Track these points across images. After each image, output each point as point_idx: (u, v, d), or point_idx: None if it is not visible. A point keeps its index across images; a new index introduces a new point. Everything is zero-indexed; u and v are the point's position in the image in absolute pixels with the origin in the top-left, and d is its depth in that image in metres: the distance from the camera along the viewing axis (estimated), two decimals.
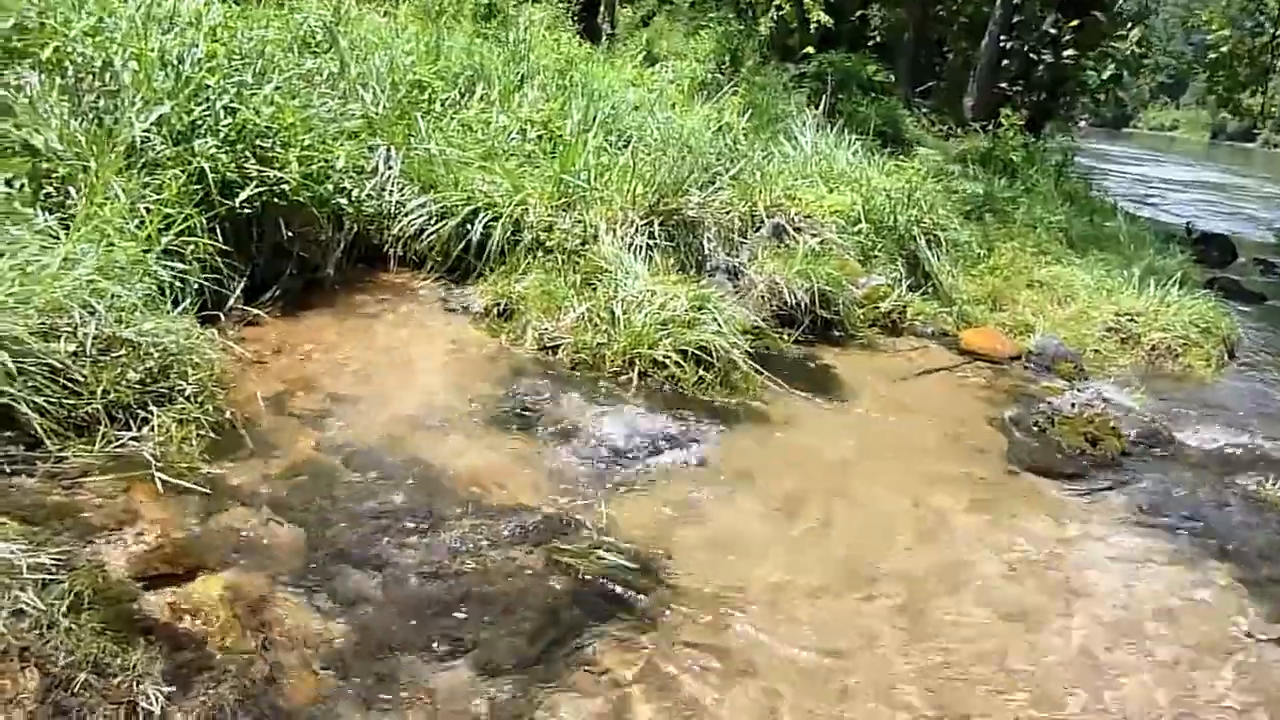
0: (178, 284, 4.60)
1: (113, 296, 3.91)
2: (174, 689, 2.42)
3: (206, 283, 4.94)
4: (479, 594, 3.09)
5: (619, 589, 3.24)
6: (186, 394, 3.83)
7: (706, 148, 7.24)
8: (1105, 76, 16.29)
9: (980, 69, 15.60)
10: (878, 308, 6.60)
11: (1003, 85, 15.33)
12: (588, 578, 3.24)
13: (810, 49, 13.83)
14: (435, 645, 2.87)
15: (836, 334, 6.26)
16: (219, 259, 5.02)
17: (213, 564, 3.04)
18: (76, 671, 2.36)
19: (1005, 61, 15.46)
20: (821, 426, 4.95)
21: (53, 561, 2.79)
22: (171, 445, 3.62)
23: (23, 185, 4.67)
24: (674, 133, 7.39)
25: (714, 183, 6.81)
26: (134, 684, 2.38)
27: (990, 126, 13.25)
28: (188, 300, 4.63)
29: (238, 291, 5.23)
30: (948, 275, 7.65)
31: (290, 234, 5.60)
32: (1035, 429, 5.10)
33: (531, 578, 3.20)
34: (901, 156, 9.44)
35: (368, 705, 2.62)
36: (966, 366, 6.21)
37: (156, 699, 2.36)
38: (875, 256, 7.20)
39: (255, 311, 5.28)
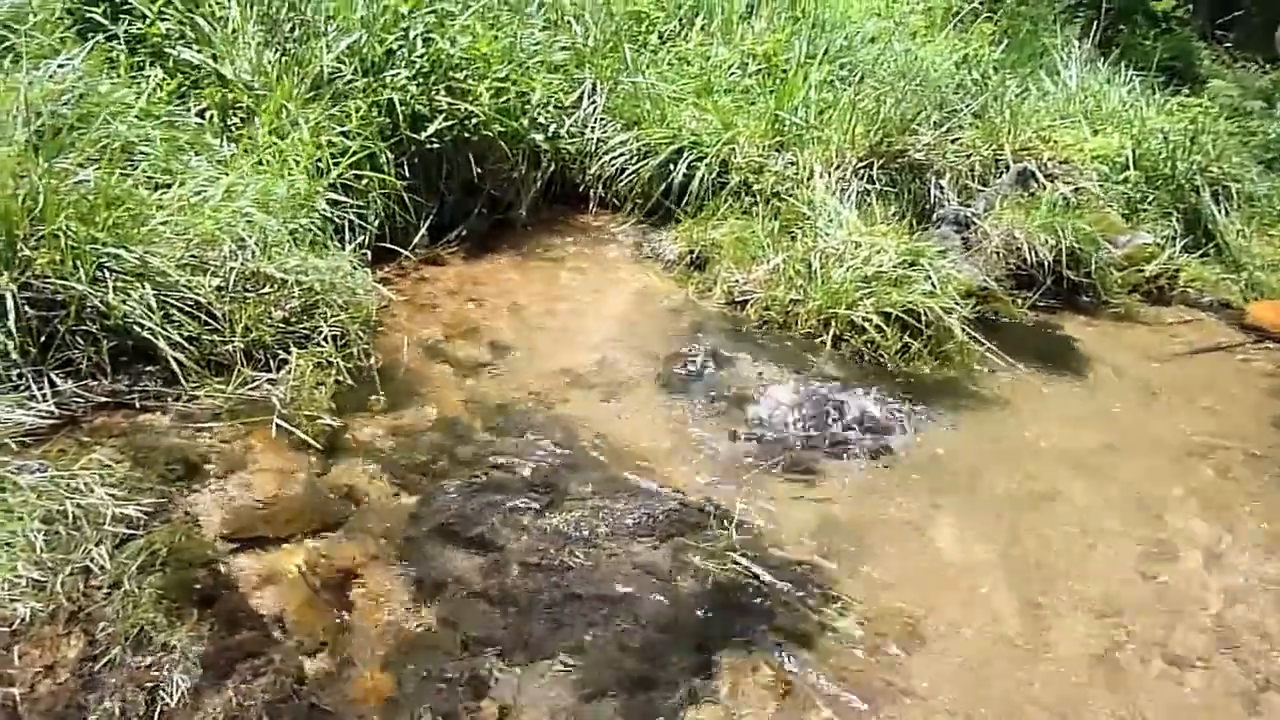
0: (351, 219, 4.44)
1: (263, 230, 3.72)
2: (205, 678, 2.13)
3: (389, 220, 4.78)
4: (587, 593, 2.66)
5: (758, 603, 2.70)
6: (327, 336, 3.59)
7: (945, 81, 6.35)
8: None
9: None
10: (1141, 270, 5.56)
11: None
12: (720, 586, 2.73)
13: None
14: (525, 650, 2.47)
15: (1085, 300, 5.31)
16: (405, 195, 4.84)
17: (308, 528, 2.78)
18: (113, 645, 2.12)
19: None
20: (1051, 414, 4.13)
21: (143, 513, 2.60)
22: (303, 391, 3.39)
23: (212, 115, 4.64)
24: (910, 66, 6.55)
25: (951, 120, 5.95)
26: (166, 667, 2.11)
27: None
28: (362, 237, 4.47)
29: (423, 230, 5.04)
30: (1237, 235, 6.39)
31: (481, 171, 5.35)
32: None
33: (651, 579, 2.73)
34: (1189, 94, 8.04)
35: (431, 717, 2.25)
36: (1251, 347, 5.09)
37: (179, 690, 2.08)
38: (1143, 210, 6.09)
39: (438, 251, 5.09)
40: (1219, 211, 6.37)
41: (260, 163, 4.24)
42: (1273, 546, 3.41)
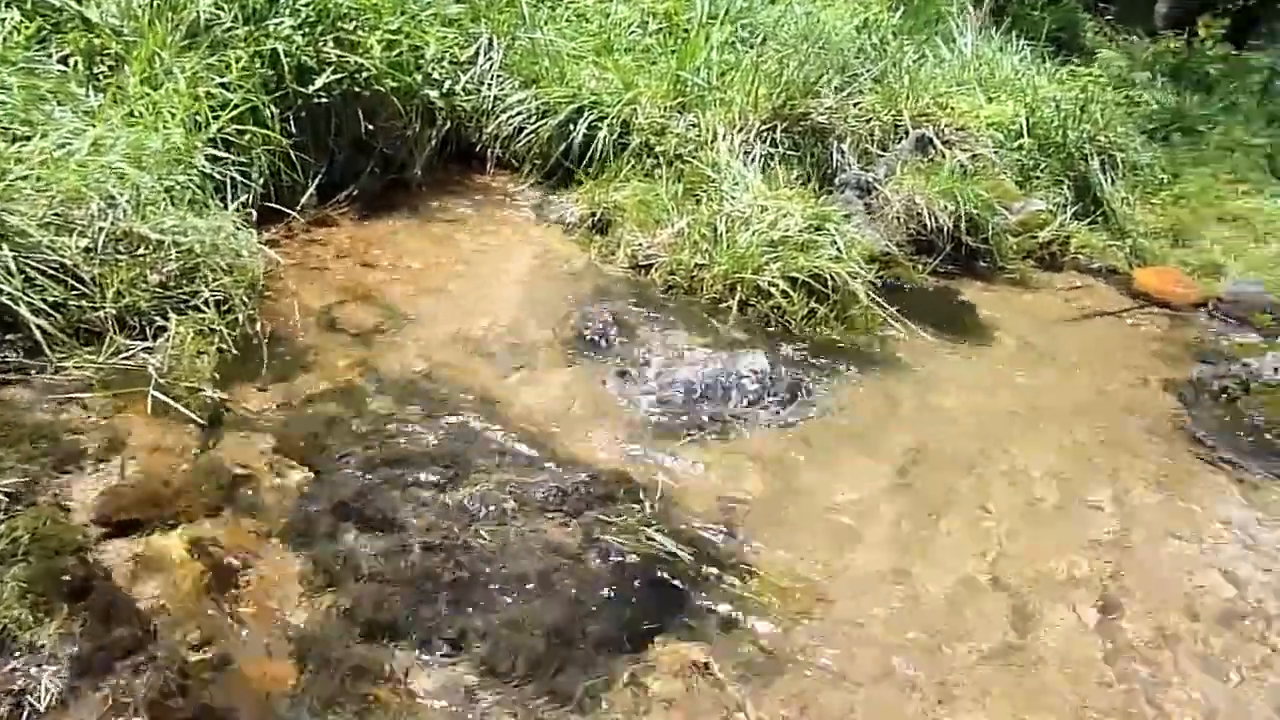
0: (234, 177, 4.17)
1: (136, 187, 3.44)
2: (79, 679, 1.95)
3: (275, 178, 4.51)
4: (494, 573, 2.54)
5: (671, 580, 2.62)
6: (208, 301, 3.36)
7: (846, 45, 6.33)
8: None
9: None
10: (1034, 237, 5.66)
11: None
12: (632, 563, 2.64)
13: None
14: (428, 636, 2.34)
15: (982, 265, 5.38)
16: (291, 152, 4.58)
17: (193, 510, 2.59)
18: None
19: None
20: (954, 377, 4.17)
21: (3, 495, 2.37)
22: (183, 360, 3.16)
23: (77, 63, 4.29)
24: (811, 29, 6.50)
25: (852, 85, 5.94)
26: (33, 670, 1.92)
27: (1183, 35, 11.65)
28: (245, 196, 4.20)
29: (311, 189, 4.79)
30: (1122, 203, 6.56)
31: (372, 128, 5.10)
32: (1224, 397, 4.16)
33: (561, 558, 2.62)
34: (1077, 64, 8.20)
35: (330, 709, 2.11)
36: (1138, 312, 5.23)
37: (48, 694, 1.89)
38: (1037, 177, 6.19)
39: (328, 212, 4.84)
40: (1106, 180, 6.54)
41: (132, 114, 3.94)
42: (1157, 502, 3.50)
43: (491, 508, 2.73)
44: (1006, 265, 5.47)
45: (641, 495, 2.93)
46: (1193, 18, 12.39)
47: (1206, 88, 9.60)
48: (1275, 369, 4.17)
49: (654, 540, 2.71)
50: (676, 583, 2.63)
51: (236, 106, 4.21)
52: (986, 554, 3.05)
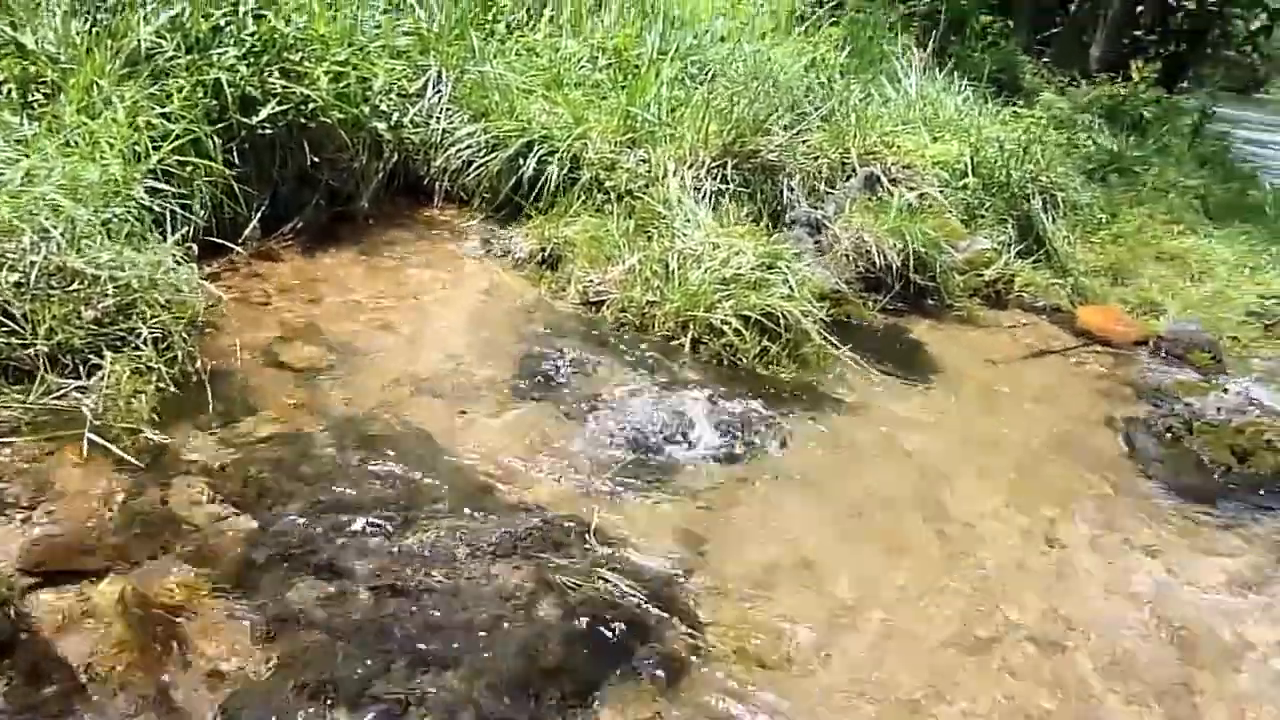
0: (175, 210, 4.06)
1: (70, 220, 3.33)
2: None
3: (217, 211, 4.41)
4: (442, 622, 2.45)
5: (623, 626, 2.56)
6: (146, 338, 3.24)
7: (795, 83, 6.38)
8: (1254, 28, 14.69)
9: (1111, 14, 14.19)
10: (980, 275, 5.73)
11: (1135, 33, 13.92)
12: (583, 608, 2.57)
13: None
14: (374, 691, 2.24)
15: (930, 303, 5.43)
16: (234, 184, 4.47)
17: (126, 558, 2.47)
18: None
19: (1139, 7, 14.03)
20: (905, 416, 4.17)
21: None
22: (119, 400, 3.04)
23: (10, 90, 4.16)
24: (760, 67, 6.55)
25: (801, 123, 5.99)
26: None
27: (1118, 79, 12.00)
28: (186, 229, 4.09)
29: (255, 222, 4.68)
30: (1064, 241, 6.69)
31: (318, 159, 5.01)
32: (1168, 436, 4.22)
33: (512, 604, 2.54)
34: (1019, 105, 8.39)
35: None
36: (1082, 350, 5.31)
37: None
38: (981, 216, 6.29)
39: (271, 245, 4.74)
40: (1048, 219, 6.66)
41: (68, 144, 3.82)
42: (1095, 538, 3.53)
43: (442, 553, 2.64)
44: (954, 303, 5.53)
45: (593, 537, 2.86)
46: (1126, 61, 12.77)
47: (1141, 130, 9.88)
48: (1217, 408, 4.25)
49: (607, 582, 2.64)
50: (627, 630, 2.56)
51: (178, 137, 4.10)
52: (937, 597, 3.03)
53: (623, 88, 6.07)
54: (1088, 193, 7.36)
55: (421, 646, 2.37)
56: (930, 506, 3.52)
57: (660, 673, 2.47)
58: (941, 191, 6.16)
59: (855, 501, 3.47)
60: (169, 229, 3.99)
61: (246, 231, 4.64)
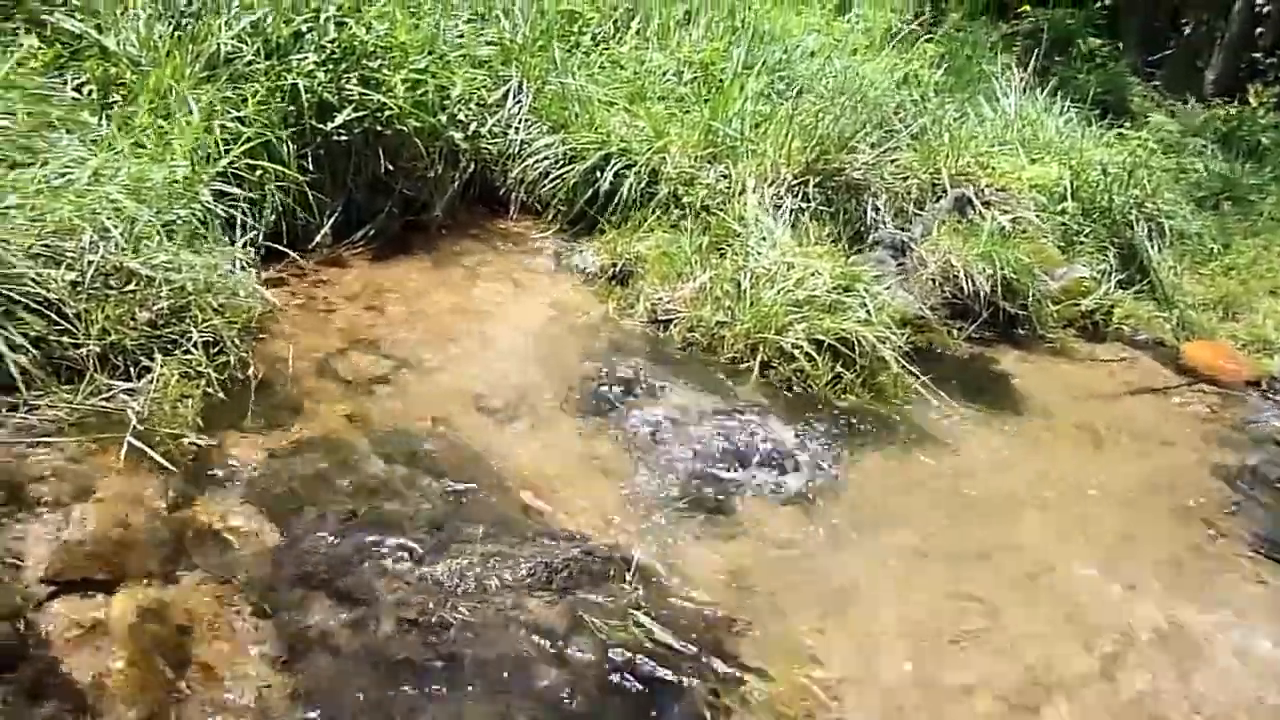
0: (244, 213, 4.05)
1: (131, 221, 3.30)
2: None
3: (288, 216, 4.38)
4: (468, 657, 2.31)
5: (658, 676, 2.37)
6: (197, 342, 3.19)
7: (885, 100, 6.14)
8: None
9: (1228, 36, 13.53)
10: (1077, 305, 5.40)
11: (1254, 55, 13.23)
12: (617, 653, 2.39)
13: (1027, 6, 12.28)
14: None
15: (1021, 333, 5.13)
16: (307, 189, 4.45)
17: (150, 570, 2.39)
18: None
19: (1259, 29, 13.34)
20: (985, 454, 3.90)
21: None
22: (165, 404, 2.98)
23: (91, 91, 4.20)
24: (849, 83, 6.33)
25: (890, 141, 5.75)
26: None
27: (1233, 103, 11.40)
28: (252, 234, 4.07)
29: (326, 229, 4.65)
30: (1170, 272, 6.30)
31: (393, 168, 4.96)
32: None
33: (542, 643, 2.38)
34: (1126, 127, 7.97)
35: None
36: (1187, 389, 4.95)
37: None
38: (1080, 243, 5.95)
39: (341, 252, 4.70)
40: (1153, 247, 6.28)
41: (139, 145, 3.82)
42: (1191, 599, 3.20)
43: (472, 583, 2.50)
44: (1047, 333, 5.21)
45: (634, 574, 2.68)
46: (1243, 85, 12.17)
47: (1258, 156, 9.32)
48: None
49: (643, 626, 2.46)
50: (662, 681, 2.37)
51: (248, 140, 4.08)
52: (1003, 656, 2.77)
53: (705, 101, 5.92)
54: (1198, 221, 6.93)
55: (439, 681, 2.23)
56: (1008, 558, 3.24)
57: None
58: (1038, 216, 5.85)
59: (926, 546, 3.22)
60: (237, 233, 3.99)
61: (317, 238, 4.63)
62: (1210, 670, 2.87)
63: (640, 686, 2.34)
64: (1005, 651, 2.79)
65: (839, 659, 2.63)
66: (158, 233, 3.34)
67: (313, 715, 2.10)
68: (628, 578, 2.64)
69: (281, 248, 4.24)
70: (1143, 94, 11.33)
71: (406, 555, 2.56)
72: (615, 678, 2.33)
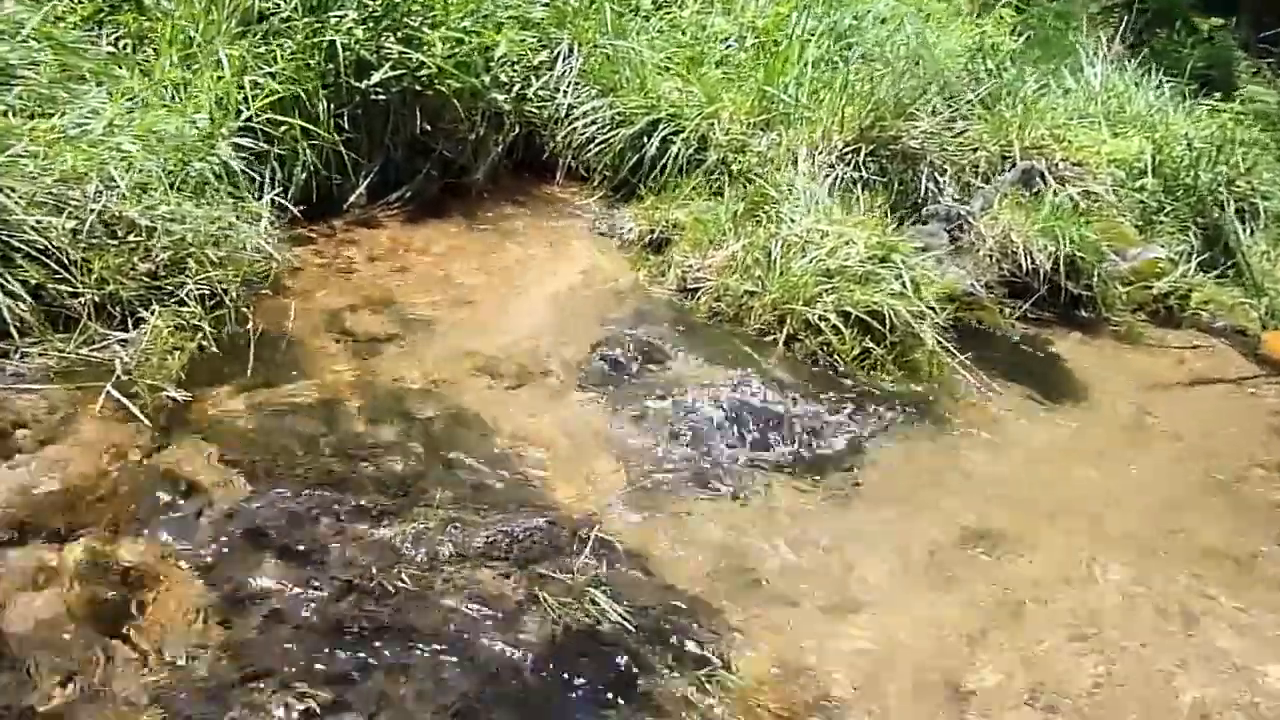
0: (272, 170, 4.02)
1: (140, 171, 3.27)
2: None
3: (322, 174, 4.34)
4: (406, 627, 2.19)
5: (613, 659, 2.21)
6: (193, 294, 3.14)
7: (951, 66, 5.82)
8: None
9: None
10: (1149, 287, 5.04)
11: None
12: (571, 631, 2.24)
13: None
14: (315, 691, 2.00)
15: (1083, 315, 4.79)
16: (342, 148, 4.40)
17: (107, 521, 2.33)
18: None
19: None
20: (1025, 443, 3.63)
21: None
22: (154, 356, 2.94)
23: (125, 45, 4.21)
24: (917, 50, 6.01)
25: (954, 109, 5.45)
26: None
27: None
28: (276, 190, 4.03)
29: (361, 189, 4.60)
30: (1261, 256, 5.84)
31: (432, 128, 4.88)
32: None
33: (488, 616, 2.25)
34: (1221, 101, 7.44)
35: None
36: (1264, 381, 4.56)
37: None
38: (1160, 222, 5.56)
39: (375, 213, 4.64)
40: (1243, 230, 5.83)
41: (159, 97, 3.80)
42: (1241, 615, 2.87)
43: (425, 550, 2.38)
44: (1112, 317, 4.87)
45: (594, 549, 2.51)
46: None
47: None
48: None
49: (598, 605, 2.31)
50: (618, 661, 2.22)
51: (274, 95, 4.03)
52: (1010, 663, 2.53)
53: (763, 66, 5.69)
54: None
55: (373, 650, 2.11)
56: (1028, 556, 2.97)
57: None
58: (1115, 192, 5.48)
59: (948, 540, 2.97)
60: (265, 189, 3.96)
61: (351, 198, 4.58)
62: (1235, 689, 2.58)
63: (585, 672, 2.18)
64: (1013, 658, 2.56)
65: (831, 656, 2.42)
66: (161, 183, 3.30)
67: (241, 675, 2.01)
68: (587, 553, 2.48)
69: (321, 206, 4.21)
70: (1251, 69, 10.62)
71: (365, 517, 2.46)
72: (561, 659, 2.18)
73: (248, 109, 3.96)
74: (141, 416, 2.69)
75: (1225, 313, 5.23)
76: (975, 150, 5.54)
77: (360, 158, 4.61)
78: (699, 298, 4.11)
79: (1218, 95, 7.92)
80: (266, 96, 4.00)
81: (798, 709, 2.25)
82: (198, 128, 3.68)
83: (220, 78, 4.02)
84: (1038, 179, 5.27)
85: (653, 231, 4.68)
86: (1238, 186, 5.89)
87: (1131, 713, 2.44)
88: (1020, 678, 2.48)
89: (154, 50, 4.18)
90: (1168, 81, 7.18)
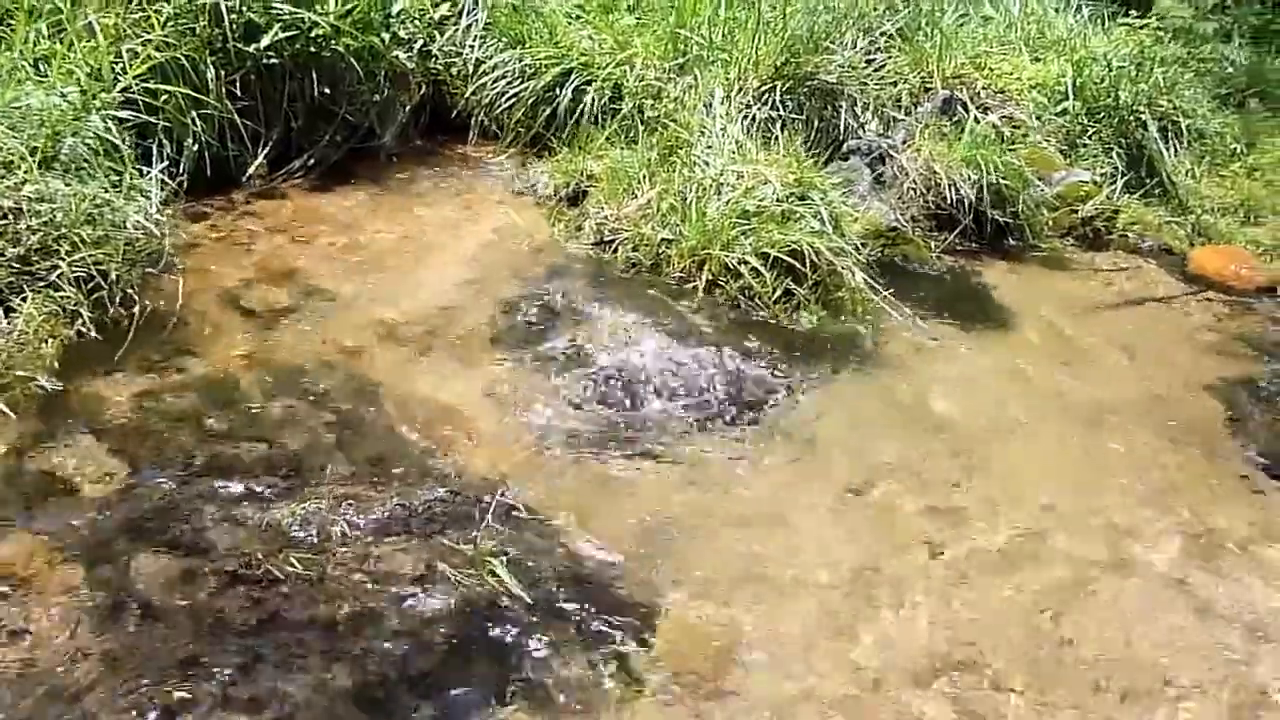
0: (159, 143, 3.80)
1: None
2: None
3: (214, 146, 4.12)
4: (294, 615, 2.06)
5: (514, 634, 2.09)
6: (68, 277, 2.94)
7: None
8: None
9: None
10: (1074, 211, 4.98)
11: None
12: (473, 606, 2.12)
13: None
14: (197, 692, 1.86)
15: (1010, 243, 4.72)
16: (236, 117, 4.19)
17: None
18: None
19: None
20: (955, 375, 3.56)
21: None
22: (26, 345, 2.75)
23: None
24: None
25: (870, 42, 5.33)
26: None
27: None
28: (164, 164, 3.81)
29: (259, 159, 4.39)
30: (1185, 174, 5.82)
31: (332, 92, 4.66)
32: None
33: (382, 596, 2.13)
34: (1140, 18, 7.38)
35: None
36: (1191, 298, 4.53)
37: None
38: (1083, 145, 5.50)
39: (277, 183, 4.44)
40: (1167, 148, 5.79)
41: (19, 70, 3.56)
42: (1176, 531, 2.84)
43: (315, 531, 2.25)
44: (1039, 243, 4.81)
45: (494, 517, 2.39)
46: None
47: None
48: None
49: (497, 576, 2.19)
50: (517, 635, 2.10)
51: (150, 62, 3.80)
52: (947, 601, 2.47)
53: (675, 8, 5.52)
54: (1218, 119, 6.40)
55: (259, 641, 1.98)
56: (963, 489, 2.91)
57: (563, 698, 2.00)
58: (1038, 118, 5.41)
59: (875, 480, 2.89)
60: (154, 164, 3.75)
61: (250, 169, 4.37)
62: (1173, 607, 2.54)
63: (486, 650, 2.06)
64: (949, 595, 2.49)
65: (750, 616, 2.32)
66: (26, 160, 3.08)
67: (120, 681, 1.87)
68: (489, 521, 2.35)
69: (218, 179, 4.02)
70: None
71: (251, 501, 2.31)
72: (460, 637, 2.06)
73: (125, 80, 3.73)
74: (7, 410, 2.50)
75: (1152, 233, 5.20)
76: (895, 83, 5.43)
77: (258, 126, 4.40)
78: (616, 249, 3.97)
79: (1134, 14, 7.88)
80: (144, 63, 3.76)
81: (711, 659, 2.16)
82: (68, 101, 3.43)
83: (94, 48, 3.78)
84: (959, 108, 5.18)
85: (568, 185, 4.52)
86: (1159, 105, 5.84)
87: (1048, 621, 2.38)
88: (940, 607, 2.41)
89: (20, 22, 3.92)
90: (1087, 4, 7.10)
